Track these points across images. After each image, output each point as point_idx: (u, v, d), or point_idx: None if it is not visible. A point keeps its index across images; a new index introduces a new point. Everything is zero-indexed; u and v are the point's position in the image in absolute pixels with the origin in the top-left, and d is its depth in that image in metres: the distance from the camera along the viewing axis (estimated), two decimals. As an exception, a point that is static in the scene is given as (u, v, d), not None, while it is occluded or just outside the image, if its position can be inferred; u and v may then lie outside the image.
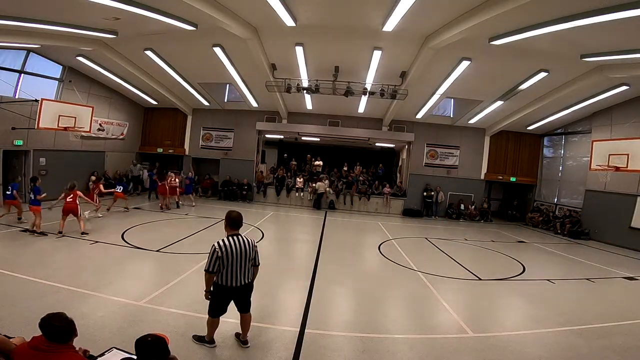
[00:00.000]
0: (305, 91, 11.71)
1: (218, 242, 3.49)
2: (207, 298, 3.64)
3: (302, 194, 16.08)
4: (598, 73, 9.68)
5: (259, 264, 3.78)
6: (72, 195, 7.96)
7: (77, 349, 2.32)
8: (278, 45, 10.10)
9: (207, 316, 3.71)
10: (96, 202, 10.29)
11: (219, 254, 3.44)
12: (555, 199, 15.72)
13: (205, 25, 8.75)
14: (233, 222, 3.61)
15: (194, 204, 13.41)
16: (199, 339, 3.83)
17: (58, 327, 2.15)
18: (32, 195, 8.01)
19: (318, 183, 15.77)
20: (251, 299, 3.82)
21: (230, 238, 3.54)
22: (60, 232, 7.65)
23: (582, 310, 5.73)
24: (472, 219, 15.69)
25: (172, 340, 2.61)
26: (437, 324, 4.91)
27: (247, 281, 3.65)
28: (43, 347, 2.12)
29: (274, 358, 3.70)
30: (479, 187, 16.41)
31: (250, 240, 3.65)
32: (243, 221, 3.72)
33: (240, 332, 3.90)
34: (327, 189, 15.76)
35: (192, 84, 14.12)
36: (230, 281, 3.54)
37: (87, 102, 13.03)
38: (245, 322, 3.84)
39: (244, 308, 3.78)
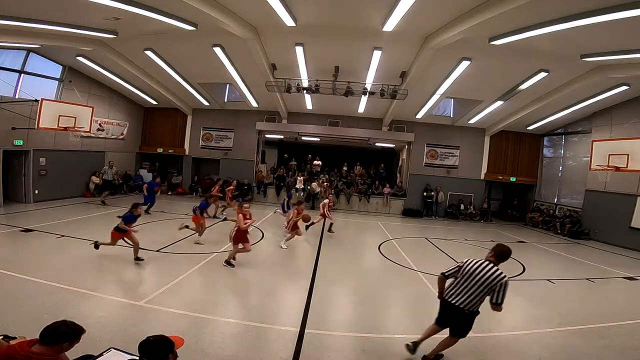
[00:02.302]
0: (305, 91, 11.70)
1: (470, 258, 3.66)
2: (439, 298, 3.84)
3: (302, 194, 16.07)
4: (598, 73, 9.68)
5: (499, 302, 3.42)
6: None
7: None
8: (278, 45, 10.10)
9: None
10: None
11: (461, 264, 3.65)
12: (555, 199, 15.72)
13: (205, 25, 8.75)
14: (497, 252, 3.60)
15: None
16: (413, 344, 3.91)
17: (52, 328, 2.16)
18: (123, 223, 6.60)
19: (313, 184, 15.77)
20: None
21: (483, 260, 3.56)
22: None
23: (582, 310, 5.74)
24: (472, 219, 15.69)
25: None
26: (437, 324, 4.89)
27: (459, 304, 3.55)
28: (19, 355, 2.05)
29: (274, 358, 3.70)
30: (479, 187, 16.41)
31: (499, 277, 3.40)
32: (509, 257, 3.62)
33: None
34: (326, 189, 15.75)
35: (192, 84, 14.11)
36: (448, 293, 3.65)
37: (87, 102, 13.04)
38: (441, 341, 3.82)
39: (452, 330, 3.77)
